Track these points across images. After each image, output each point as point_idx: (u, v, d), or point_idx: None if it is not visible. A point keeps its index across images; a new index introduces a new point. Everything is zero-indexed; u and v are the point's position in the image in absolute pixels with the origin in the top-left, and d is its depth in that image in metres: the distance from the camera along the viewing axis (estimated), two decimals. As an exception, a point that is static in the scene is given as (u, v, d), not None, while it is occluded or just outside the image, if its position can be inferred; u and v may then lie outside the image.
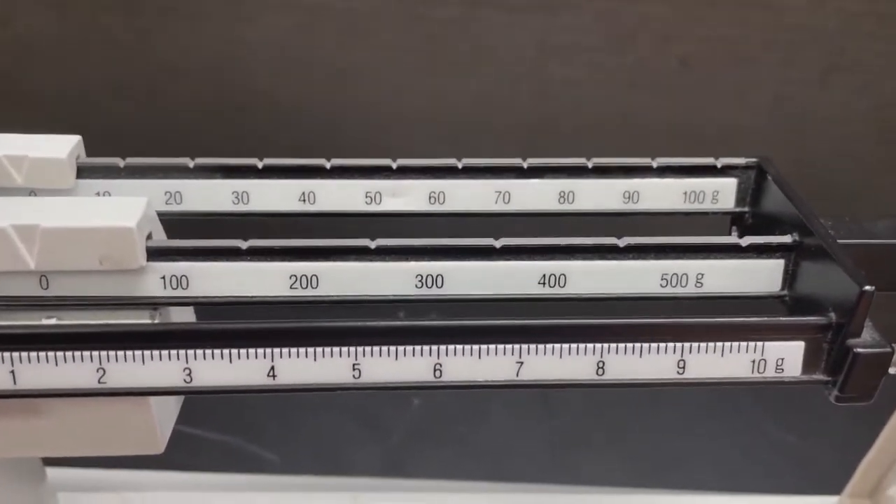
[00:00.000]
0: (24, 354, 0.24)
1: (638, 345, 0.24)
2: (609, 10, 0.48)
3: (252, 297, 0.27)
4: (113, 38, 0.49)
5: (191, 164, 0.30)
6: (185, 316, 0.29)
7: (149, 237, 0.27)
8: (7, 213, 0.26)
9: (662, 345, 0.25)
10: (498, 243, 0.27)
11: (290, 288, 0.27)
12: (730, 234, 0.33)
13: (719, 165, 0.31)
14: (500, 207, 0.31)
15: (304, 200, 0.31)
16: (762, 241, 0.27)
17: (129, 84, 0.51)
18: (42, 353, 0.24)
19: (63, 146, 0.29)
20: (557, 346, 0.24)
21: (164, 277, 0.27)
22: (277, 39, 0.49)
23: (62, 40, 0.50)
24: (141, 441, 0.27)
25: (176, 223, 0.30)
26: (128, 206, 0.26)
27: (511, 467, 0.51)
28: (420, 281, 0.27)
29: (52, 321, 0.27)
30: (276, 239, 0.27)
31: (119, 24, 0.49)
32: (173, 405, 0.29)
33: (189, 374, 0.24)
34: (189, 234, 0.32)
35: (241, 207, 0.30)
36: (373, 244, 0.27)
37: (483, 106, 0.51)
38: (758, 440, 0.54)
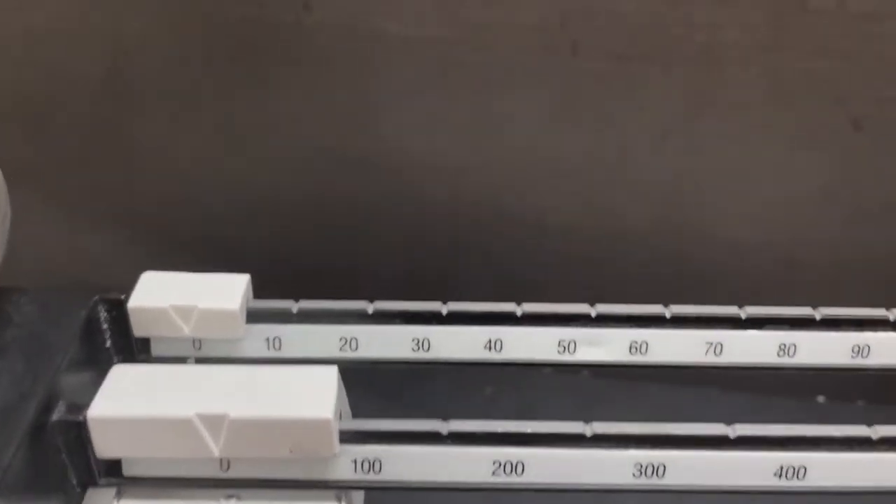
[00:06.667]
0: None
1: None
2: (778, 65, 0.44)
3: (449, 483, 0.24)
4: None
5: (370, 308, 0.27)
6: (357, 497, 0.26)
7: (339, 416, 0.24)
8: (187, 392, 0.23)
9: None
10: (733, 432, 0.24)
11: (493, 475, 0.24)
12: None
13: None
14: (710, 360, 0.28)
15: (489, 349, 0.28)
16: None
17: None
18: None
19: (233, 291, 0.27)
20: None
21: (355, 461, 0.24)
22: (409, 90, 0.46)
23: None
24: None
25: (349, 370, 0.28)
26: (319, 386, 0.23)
27: None
28: (639, 470, 0.24)
29: (232, 501, 0.25)
30: (479, 420, 0.24)
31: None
32: None
33: None
34: (363, 380, 0.29)
35: (422, 355, 0.28)
36: (588, 430, 0.24)
37: (622, 164, 0.47)
38: None
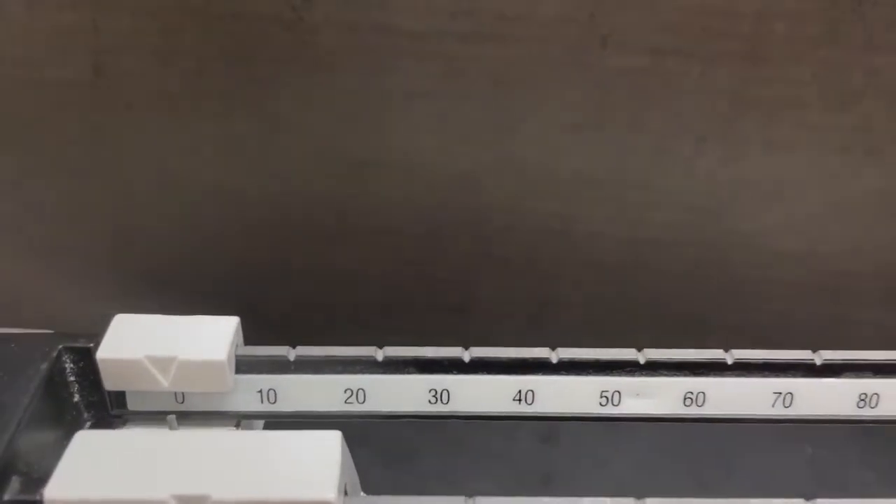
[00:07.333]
0: None
1: None
2: (832, 60, 0.40)
3: (476, 568, 0.21)
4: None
5: (379, 355, 0.24)
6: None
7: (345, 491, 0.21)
8: (162, 466, 0.20)
9: None
10: (814, 511, 0.20)
11: (527, 559, 0.21)
12: None
13: None
14: (778, 412, 0.24)
15: (519, 400, 0.24)
16: None
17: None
18: None
19: (219, 338, 0.23)
20: None
21: (363, 545, 0.21)
22: (419, 89, 0.42)
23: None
24: None
25: (356, 427, 0.24)
26: (319, 458, 0.20)
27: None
28: (702, 555, 0.20)
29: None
30: (511, 497, 0.20)
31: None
32: None
33: None
34: (372, 439, 0.25)
35: (440, 408, 0.24)
36: (642, 510, 0.20)
37: (655, 168, 0.44)
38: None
